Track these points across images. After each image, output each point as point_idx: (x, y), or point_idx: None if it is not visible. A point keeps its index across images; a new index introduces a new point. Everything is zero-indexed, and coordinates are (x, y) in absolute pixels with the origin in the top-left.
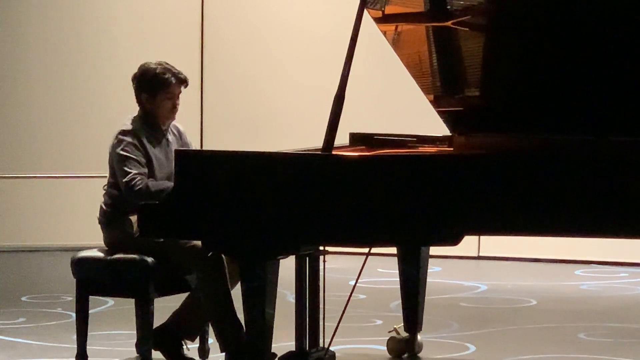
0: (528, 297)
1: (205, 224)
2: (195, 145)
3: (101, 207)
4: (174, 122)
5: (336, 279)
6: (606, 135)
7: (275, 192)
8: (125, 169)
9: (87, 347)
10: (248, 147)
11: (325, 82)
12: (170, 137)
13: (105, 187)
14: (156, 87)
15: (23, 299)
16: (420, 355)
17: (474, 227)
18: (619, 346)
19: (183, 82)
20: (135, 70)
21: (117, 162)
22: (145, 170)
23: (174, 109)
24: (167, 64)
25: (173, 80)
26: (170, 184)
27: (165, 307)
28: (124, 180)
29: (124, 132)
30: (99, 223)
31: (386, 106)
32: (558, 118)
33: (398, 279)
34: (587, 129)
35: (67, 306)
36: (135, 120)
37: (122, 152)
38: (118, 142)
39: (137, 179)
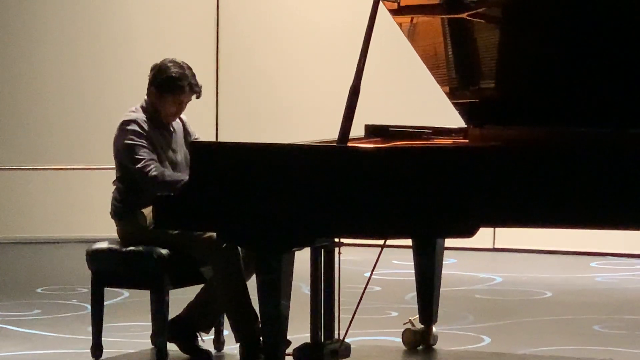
0: (543, 289)
1: (220, 215)
2: (201, 136)
3: (112, 201)
4: None
5: (351, 271)
6: (623, 128)
7: (290, 184)
8: (136, 156)
9: (102, 338)
10: (263, 139)
11: (341, 75)
12: (174, 126)
13: (114, 181)
14: (166, 89)
15: (38, 290)
16: (435, 347)
17: (489, 219)
18: (634, 338)
19: (196, 93)
20: (152, 63)
21: (126, 152)
22: (155, 156)
23: (177, 113)
24: (188, 68)
25: (186, 89)
26: (185, 176)
27: (180, 299)
28: (137, 167)
29: (126, 122)
30: (112, 217)
31: (401, 98)
32: (574, 110)
33: (413, 271)
34: (604, 122)
35: (82, 298)
36: (138, 110)
37: (128, 142)
38: (122, 132)
39: (151, 165)
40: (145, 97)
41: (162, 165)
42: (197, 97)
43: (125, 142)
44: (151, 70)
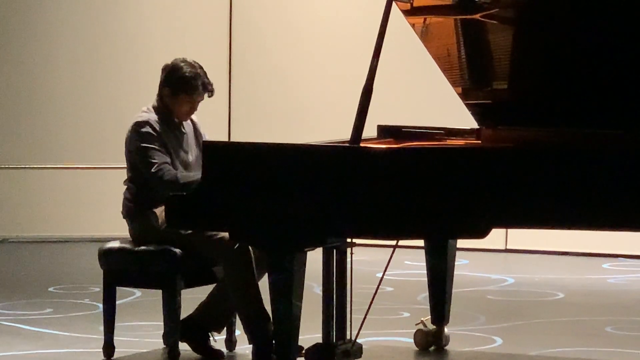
0: (555, 290)
1: (232, 215)
2: (213, 137)
3: (124, 202)
4: None
5: (363, 271)
6: (635, 129)
7: (302, 184)
8: (150, 160)
9: (114, 338)
10: (276, 139)
11: (354, 75)
12: (185, 127)
13: (126, 181)
14: (180, 89)
15: (50, 289)
16: (447, 347)
17: (502, 220)
18: None
19: (209, 92)
20: (164, 62)
21: (139, 155)
22: (168, 159)
23: (189, 112)
24: (201, 68)
25: (200, 88)
26: (199, 176)
27: (192, 299)
28: (151, 170)
29: (139, 124)
30: (123, 217)
31: (414, 99)
32: (587, 111)
33: (425, 272)
34: (617, 123)
35: (95, 297)
36: (150, 111)
37: (142, 145)
38: (135, 134)
39: (164, 169)
40: (157, 97)
41: (175, 166)
42: (210, 96)
43: (139, 145)
44: (163, 70)
